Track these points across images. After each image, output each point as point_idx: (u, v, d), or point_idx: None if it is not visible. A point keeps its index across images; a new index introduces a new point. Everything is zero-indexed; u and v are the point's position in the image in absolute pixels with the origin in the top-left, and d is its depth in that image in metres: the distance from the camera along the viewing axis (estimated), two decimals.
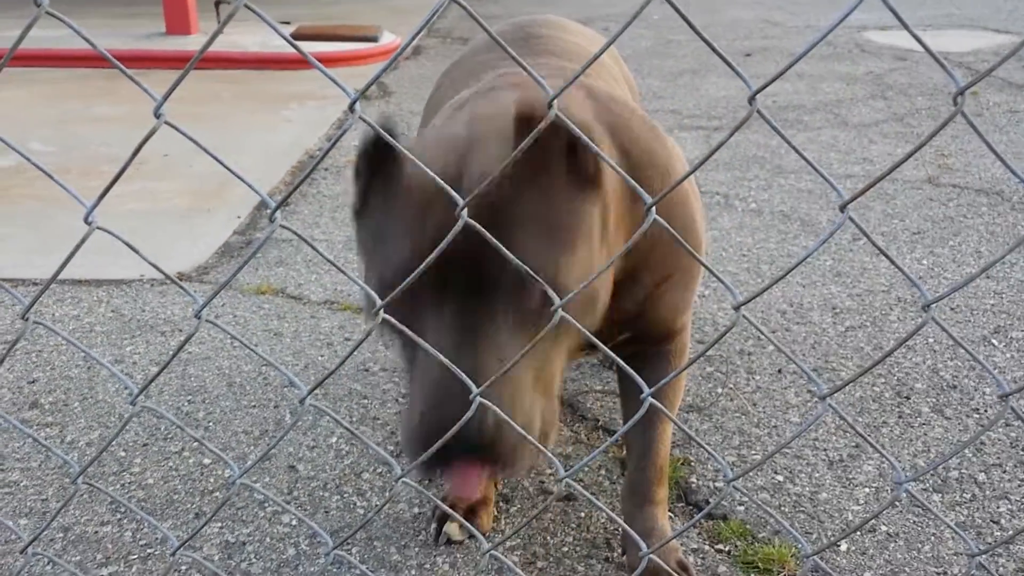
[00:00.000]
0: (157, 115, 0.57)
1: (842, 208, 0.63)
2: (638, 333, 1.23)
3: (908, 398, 1.81)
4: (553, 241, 0.88)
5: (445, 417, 0.82)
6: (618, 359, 0.87)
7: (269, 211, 0.61)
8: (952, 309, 2.17)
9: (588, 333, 0.79)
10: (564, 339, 0.93)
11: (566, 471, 0.84)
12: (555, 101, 0.63)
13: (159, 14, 5.39)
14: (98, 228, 0.61)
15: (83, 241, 0.59)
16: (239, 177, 0.63)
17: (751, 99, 0.58)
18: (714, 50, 0.57)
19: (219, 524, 1.47)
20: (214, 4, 5.22)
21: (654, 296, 1.18)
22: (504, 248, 0.70)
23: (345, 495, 1.54)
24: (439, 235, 0.73)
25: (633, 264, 1.11)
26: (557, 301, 0.74)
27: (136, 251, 0.62)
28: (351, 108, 0.57)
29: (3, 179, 3.09)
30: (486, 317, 0.86)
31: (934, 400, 1.80)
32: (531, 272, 0.75)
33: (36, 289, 2.32)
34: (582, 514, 1.50)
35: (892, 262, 0.64)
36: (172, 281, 0.64)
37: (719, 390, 1.86)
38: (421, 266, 0.71)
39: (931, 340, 2.01)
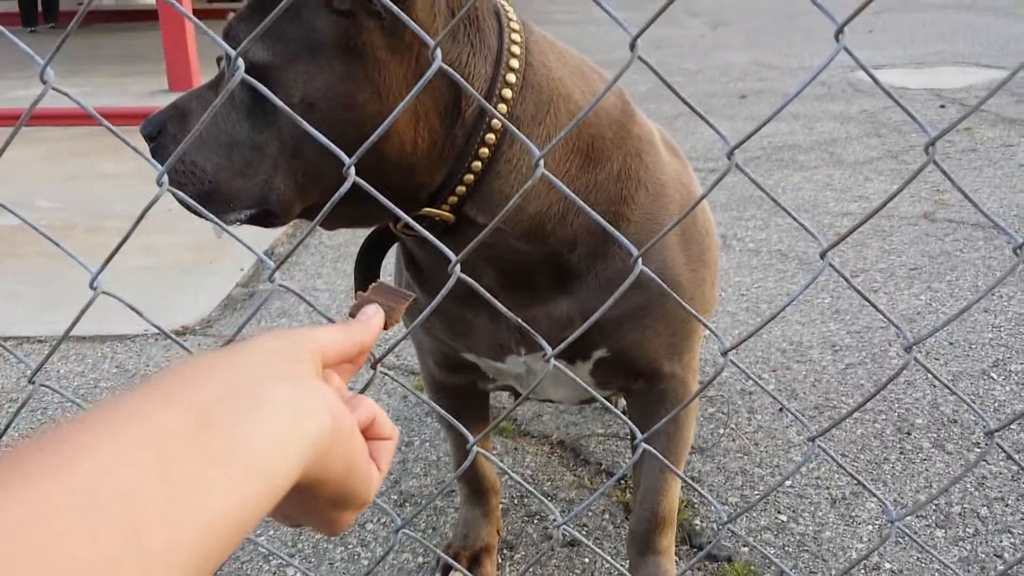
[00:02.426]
0: (159, 183, 0.60)
1: (822, 255, 0.65)
2: (615, 358, 1.17)
3: (909, 434, 1.82)
4: None
5: None
6: (603, 400, 0.89)
7: (268, 272, 0.63)
8: (950, 344, 2.18)
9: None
10: None
11: (568, 515, 0.85)
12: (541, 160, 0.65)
13: (161, 71, 5.48)
14: (104, 293, 0.63)
15: (88, 306, 0.62)
16: (236, 239, 0.65)
17: (729, 154, 0.60)
18: (690, 106, 0.60)
19: None
20: (216, 60, 5.31)
21: (628, 321, 1.14)
22: None
23: (349, 546, 1.55)
24: None
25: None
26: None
27: (140, 314, 0.65)
28: (346, 173, 0.59)
29: (11, 236, 3.13)
30: None
31: (935, 435, 1.81)
32: None
33: (42, 347, 2.34)
34: (586, 559, 1.50)
35: (874, 306, 0.66)
36: (177, 343, 0.66)
37: (721, 430, 1.86)
38: None
39: (931, 376, 2.02)
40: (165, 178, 0.59)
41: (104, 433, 0.36)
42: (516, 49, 0.99)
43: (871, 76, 0.64)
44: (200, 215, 0.93)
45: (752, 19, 8.93)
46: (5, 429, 0.71)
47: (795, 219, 0.62)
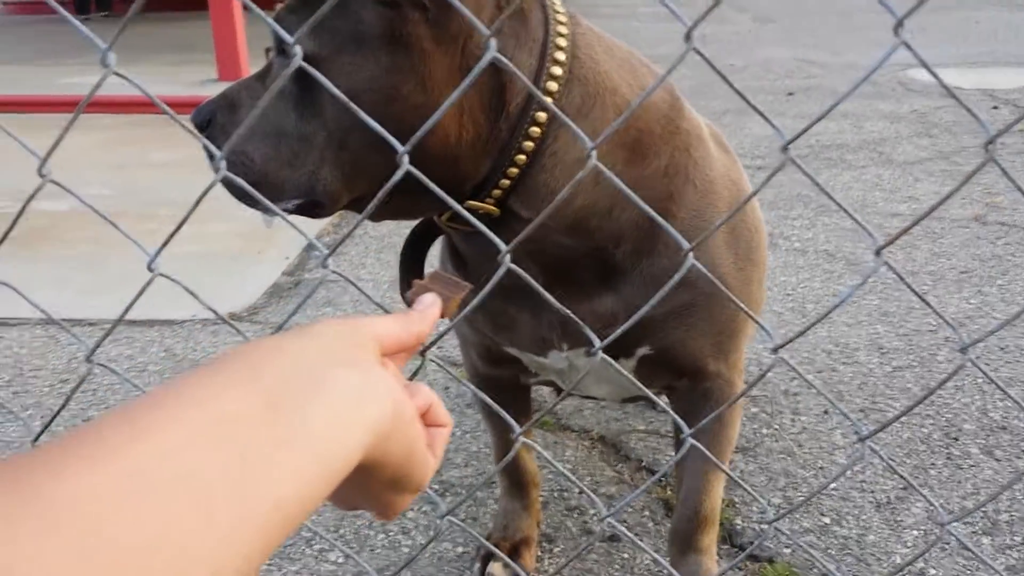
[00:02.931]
0: (217, 168, 0.61)
1: (877, 252, 0.64)
2: (659, 356, 1.17)
3: (957, 439, 1.79)
4: None
5: None
6: (649, 393, 0.88)
7: (321, 257, 0.64)
8: (1001, 349, 2.14)
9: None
10: None
11: (608, 510, 0.85)
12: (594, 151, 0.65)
13: (211, 61, 5.54)
14: (160, 275, 0.64)
15: (146, 286, 0.63)
16: (292, 224, 0.66)
17: (784, 148, 0.59)
18: (746, 100, 0.59)
19: (268, 563, 1.49)
20: (264, 51, 5.35)
21: (673, 319, 1.13)
22: None
23: (390, 533, 1.56)
24: None
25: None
26: None
27: (196, 297, 0.66)
28: (400, 160, 0.60)
29: (60, 222, 3.19)
30: None
31: (983, 441, 1.78)
32: None
33: (91, 329, 2.39)
34: (626, 555, 1.50)
35: (928, 305, 0.65)
36: (232, 327, 0.67)
37: (764, 431, 1.85)
38: None
39: (980, 380, 1.99)
40: (223, 163, 0.60)
41: (174, 412, 0.37)
42: (562, 42, 0.98)
43: (929, 70, 0.63)
44: (254, 202, 0.94)
45: (800, 16, 8.82)
46: (62, 407, 0.73)
47: (851, 216, 0.61)
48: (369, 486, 0.51)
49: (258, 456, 0.38)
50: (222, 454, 0.37)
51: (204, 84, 5.39)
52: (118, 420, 0.36)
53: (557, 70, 0.97)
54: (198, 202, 0.61)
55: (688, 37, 0.59)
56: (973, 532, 1.52)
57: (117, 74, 0.68)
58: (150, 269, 0.65)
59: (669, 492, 1.66)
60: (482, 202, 0.99)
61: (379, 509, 0.55)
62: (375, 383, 0.47)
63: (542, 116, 0.96)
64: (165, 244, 0.65)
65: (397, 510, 0.55)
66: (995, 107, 4.57)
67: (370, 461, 0.47)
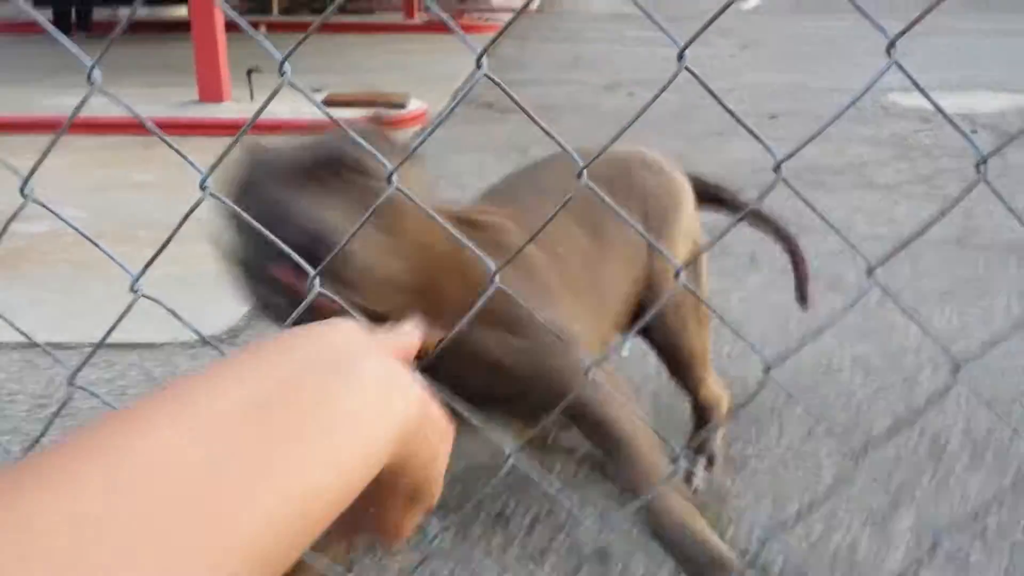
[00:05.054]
0: (203, 187, 0.60)
1: (869, 273, 0.64)
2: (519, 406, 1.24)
3: (941, 458, 1.80)
4: None
5: None
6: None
7: (309, 278, 0.63)
8: (981, 368, 2.15)
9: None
10: None
11: (598, 527, 0.84)
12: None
13: (191, 83, 5.52)
14: (144, 296, 0.63)
15: (129, 308, 0.62)
16: (282, 246, 0.65)
17: (776, 168, 0.59)
18: (736, 119, 0.59)
19: None
20: (246, 72, 5.34)
21: (489, 339, 1.19)
22: None
23: (376, 554, 1.54)
24: None
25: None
26: None
27: (179, 318, 0.65)
28: (389, 179, 0.59)
29: (38, 244, 3.15)
30: None
31: (967, 458, 1.79)
32: None
33: (70, 353, 2.36)
34: (618, 570, 1.49)
35: (920, 327, 0.65)
36: (216, 348, 0.66)
37: (749, 450, 1.84)
38: None
39: (962, 399, 1.99)
40: (209, 182, 0.59)
41: (175, 409, 0.35)
42: None
43: (921, 91, 0.64)
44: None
45: (783, 41, 8.91)
46: (43, 432, 0.71)
47: (843, 238, 0.61)
48: (385, 498, 0.47)
49: (288, 437, 0.36)
50: (249, 436, 0.35)
51: (185, 106, 5.37)
52: (123, 417, 0.34)
53: None
54: (183, 221, 0.60)
55: (681, 57, 0.59)
56: (960, 547, 1.53)
57: (103, 92, 0.67)
58: (133, 290, 0.64)
59: None
60: None
61: (387, 530, 0.50)
62: (398, 374, 0.45)
63: None
64: (148, 265, 0.64)
65: (407, 531, 0.50)
66: (974, 131, 4.62)
67: (397, 461, 0.43)
